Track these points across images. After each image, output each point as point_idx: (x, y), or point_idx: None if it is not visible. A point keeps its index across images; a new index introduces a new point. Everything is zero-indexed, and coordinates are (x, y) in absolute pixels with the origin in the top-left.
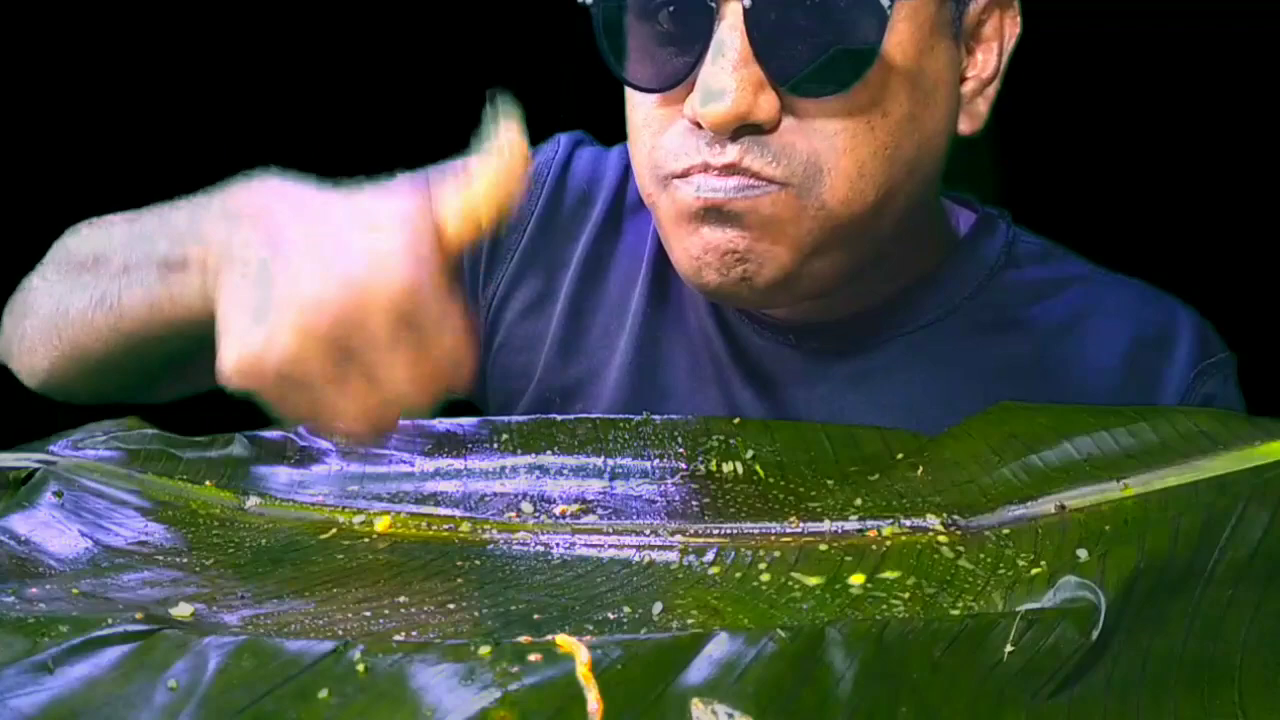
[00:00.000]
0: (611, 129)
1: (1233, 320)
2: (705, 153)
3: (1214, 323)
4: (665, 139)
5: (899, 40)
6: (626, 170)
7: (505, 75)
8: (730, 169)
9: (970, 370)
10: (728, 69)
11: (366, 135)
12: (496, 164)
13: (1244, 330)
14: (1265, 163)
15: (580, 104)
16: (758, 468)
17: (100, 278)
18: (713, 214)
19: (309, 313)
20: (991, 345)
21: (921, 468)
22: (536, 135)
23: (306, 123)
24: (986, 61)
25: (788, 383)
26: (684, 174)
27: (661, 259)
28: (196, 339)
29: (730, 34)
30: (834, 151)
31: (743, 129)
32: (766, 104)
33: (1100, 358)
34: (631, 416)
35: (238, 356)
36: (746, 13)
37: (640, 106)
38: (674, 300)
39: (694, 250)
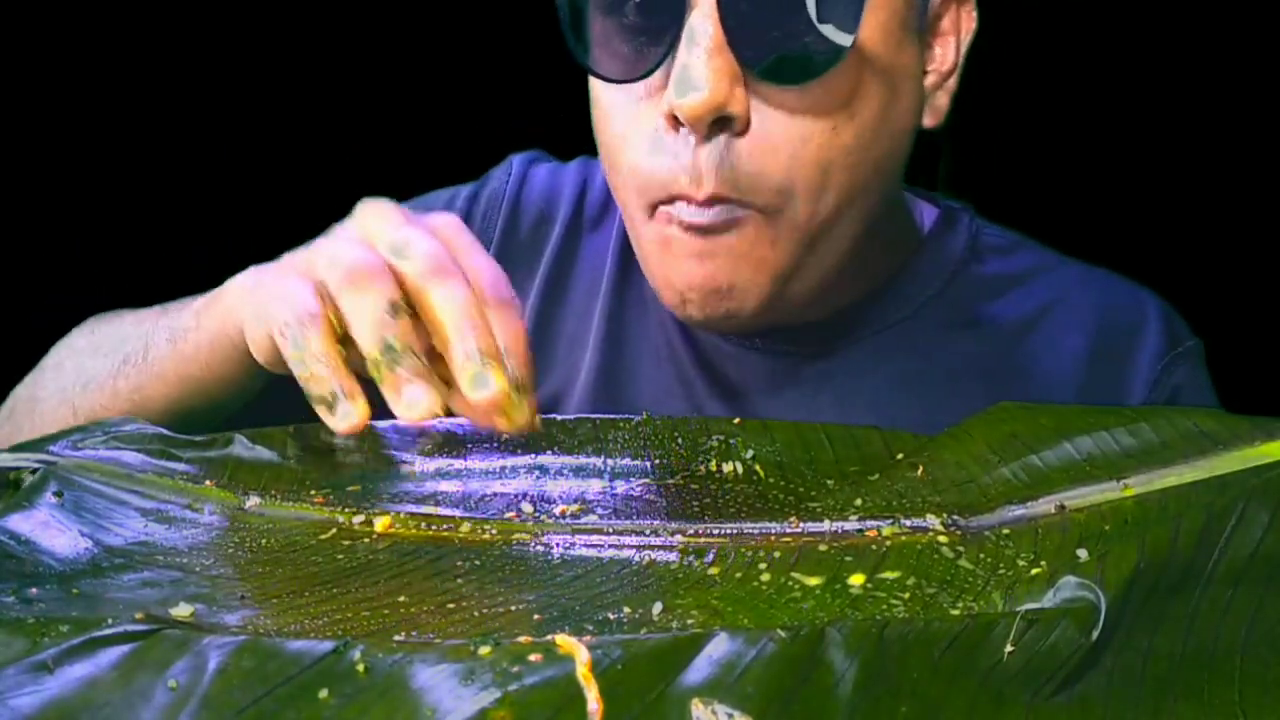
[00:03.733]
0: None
1: (1232, 318)
2: (685, 183)
3: (1215, 323)
4: (648, 159)
5: (869, 34)
6: (584, 184)
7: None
8: (711, 200)
9: (939, 367)
10: (702, 58)
11: (362, 140)
12: None
13: (1243, 328)
14: (1257, 160)
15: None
16: (758, 468)
17: (120, 349)
18: (695, 247)
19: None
20: (959, 341)
21: (921, 468)
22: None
23: (298, 123)
24: (945, 55)
25: (755, 388)
26: (668, 200)
27: (624, 271)
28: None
29: (703, 22)
30: (802, 164)
31: (716, 123)
32: (740, 95)
33: (1069, 349)
34: (631, 416)
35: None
36: (719, 1)
37: (615, 115)
38: (637, 311)
39: (678, 284)
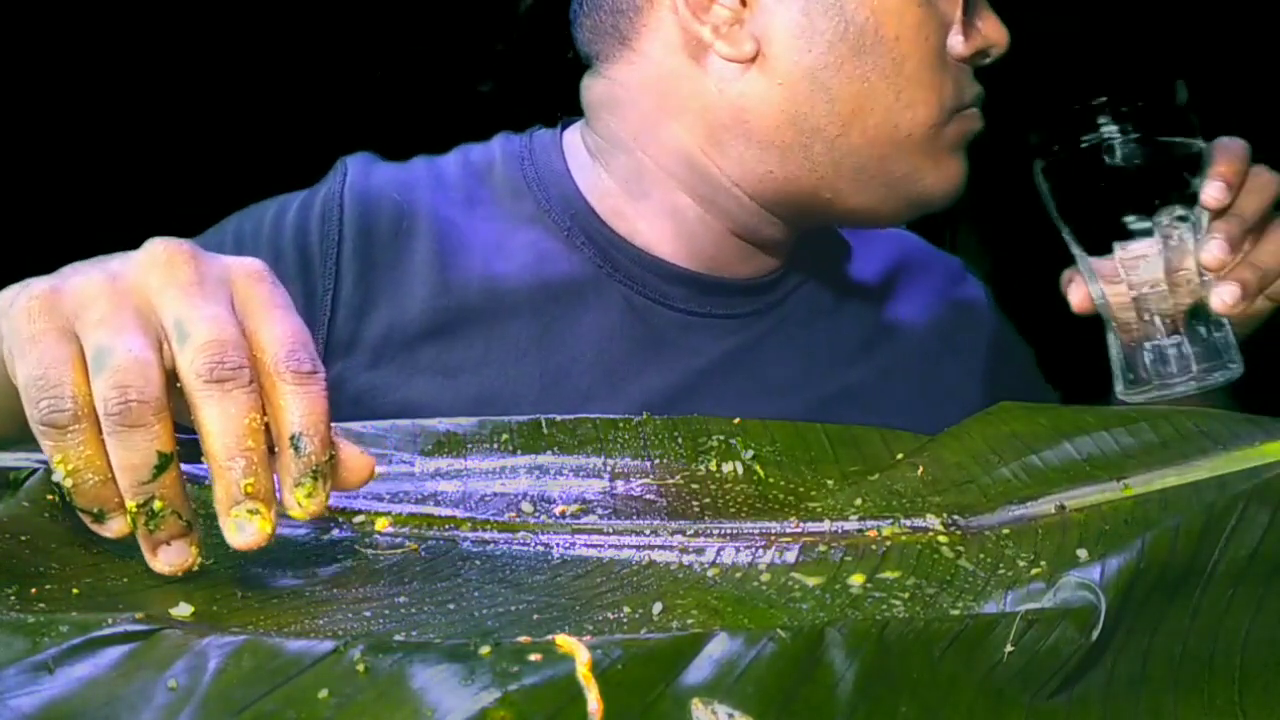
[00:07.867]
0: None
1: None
2: (974, 83)
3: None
4: (952, 76)
5: None
6: (439, 175)
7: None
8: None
9: (849, 314)
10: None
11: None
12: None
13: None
14: None
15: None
16: (758, 468)
17: None
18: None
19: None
20: (835, 292)
21: (921, 467)
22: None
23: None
24: None
25: (696, 347)
26: (966, 106)
27: (548, 262)
28: None
29: None
30: None
31: None
32: None
33: (923, 300)
34: (632, 417)
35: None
36: None
37: (926, 54)
38: (566, 281)
39: (963, 170)
